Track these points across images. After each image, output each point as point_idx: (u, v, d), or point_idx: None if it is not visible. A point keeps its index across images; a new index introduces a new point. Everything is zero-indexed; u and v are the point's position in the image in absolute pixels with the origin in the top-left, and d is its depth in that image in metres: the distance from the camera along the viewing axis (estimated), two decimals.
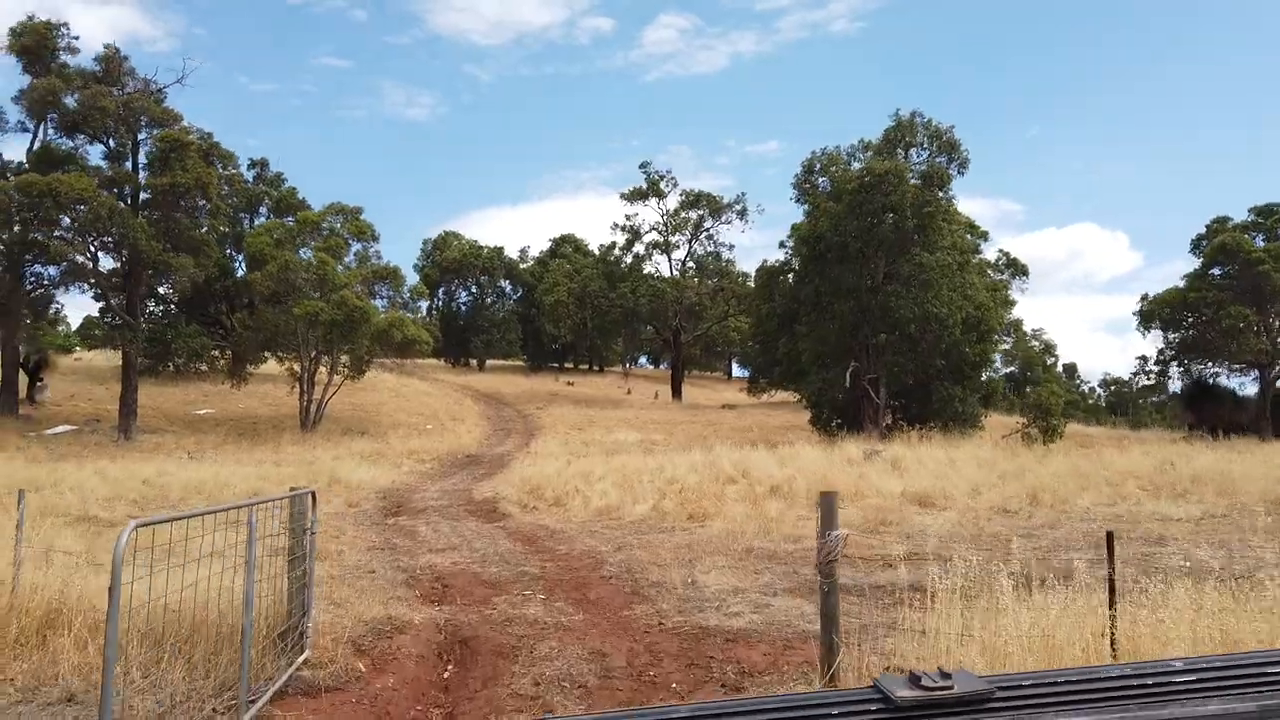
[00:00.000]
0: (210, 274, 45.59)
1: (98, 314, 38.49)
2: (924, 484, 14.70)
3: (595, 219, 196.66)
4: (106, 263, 32.28)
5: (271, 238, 36.85)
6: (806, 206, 31.67)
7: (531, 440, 33.45)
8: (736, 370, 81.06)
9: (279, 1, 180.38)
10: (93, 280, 31.40)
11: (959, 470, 18.20)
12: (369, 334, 34.83)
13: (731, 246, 76.21)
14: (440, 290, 72.29)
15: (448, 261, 70.20)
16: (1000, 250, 50.40)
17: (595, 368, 75.95)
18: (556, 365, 72.87)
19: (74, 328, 67.47)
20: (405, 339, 36.96)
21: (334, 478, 20.85)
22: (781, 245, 44.07)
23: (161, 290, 44.69)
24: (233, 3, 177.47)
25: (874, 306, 29.39)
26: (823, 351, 30.55)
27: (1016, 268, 50.57)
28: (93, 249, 30.86)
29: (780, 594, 8.20)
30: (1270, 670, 1.27)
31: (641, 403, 50.85)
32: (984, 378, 30.52)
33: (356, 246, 39.66)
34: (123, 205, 30.71)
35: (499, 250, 72.22)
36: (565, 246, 72.02)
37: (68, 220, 29.21)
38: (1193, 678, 1.25)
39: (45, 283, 31.86)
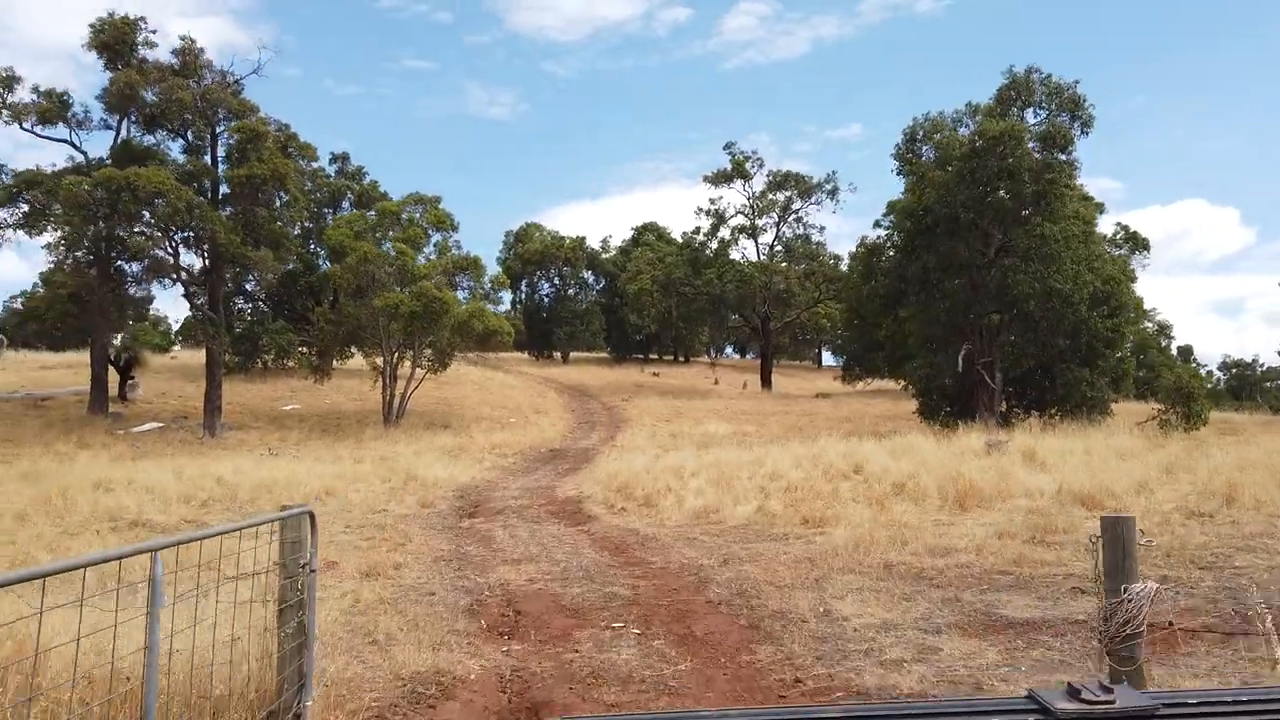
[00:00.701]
0: (295, 269, 45.64)
1: (191, 311, 38.49)
2: (1077, 480, 12.43)
3: (677, 210, 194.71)
4: (189, 259, 32.05)
5: (351, 230, 36.18)
6: (909, 178, 29.13)
7: (617, 433, 31.90)
8: (827, 359, 78.26)
9: (366, 6, 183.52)
10: (173, 275, 31.11)
11: (1104, 463, 15.76)
12: (449, 325, 33.80)
13: (822, 228, 73.31)
14: (522, 283, 71.52)
15: (529, 253, 69.28)
16: (1118, 224, 46.46)
17: (680, 358, 74.11)
18: (641, 356, 71.29)
19: (175, 327, 69.16)
20: (486, 330, 35.83)
21: (410, 475, 19.61)
22: (877, 225, 41.53)
23: (249, 287, 44.96)
24: (321, 10, 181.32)
25: (988, 283, 26.73)
26: (931, 334, 28.01)
27: (1136, 242, 46.62)
28: (173, 244, 30.55)
29: (946, 631, 6.27)
30: None
31: (730, 393, 48.87)
32: (1117, 357, 27.45)
33: (436, 237, 38.76)
34: (201, 199, 30.31)
35: (581, 240, 70.93)
36: (648, 235, 70.33)
37: (148, 215, 28.89)
38: None
39: (128, 279, 31.71)
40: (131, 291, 31.91)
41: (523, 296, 72.16)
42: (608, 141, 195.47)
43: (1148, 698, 1.14)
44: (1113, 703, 1.11)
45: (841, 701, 4.78)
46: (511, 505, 15.67)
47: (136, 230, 28.98)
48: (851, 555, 8.82)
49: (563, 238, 70.72)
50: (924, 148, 29.31)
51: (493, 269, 45.55)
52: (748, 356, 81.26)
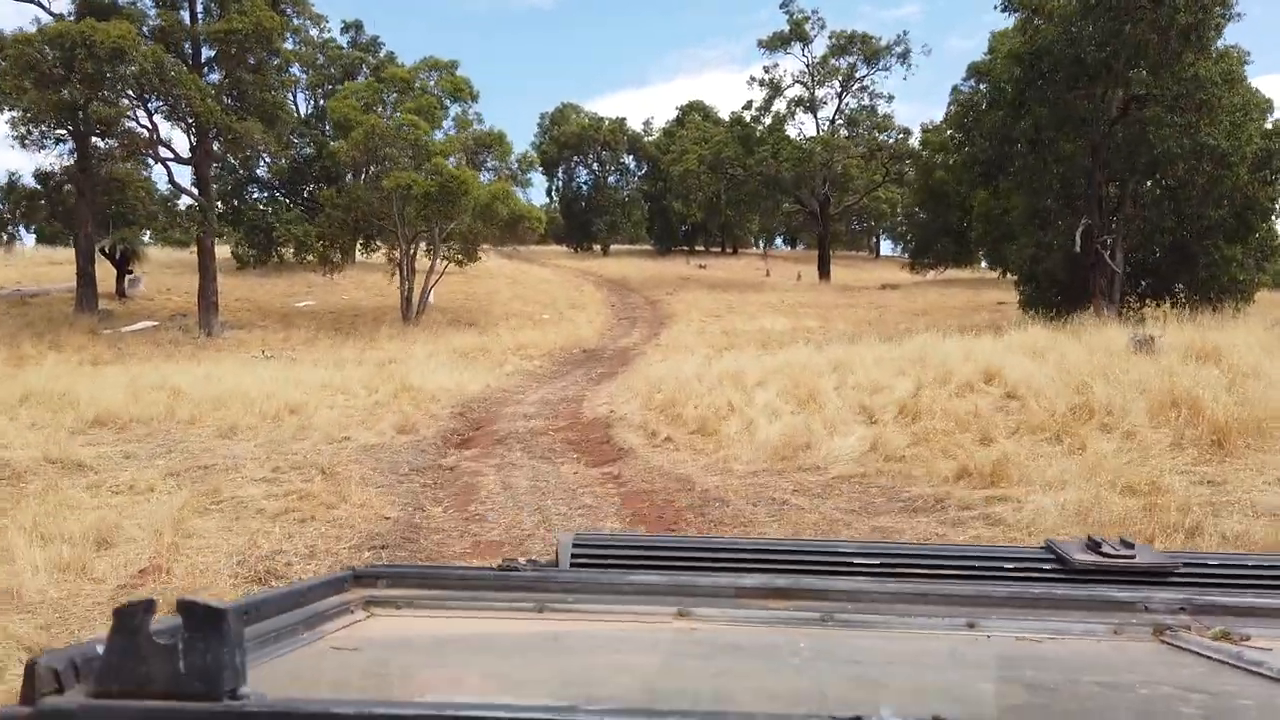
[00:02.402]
0: (309, 153, 41.52)
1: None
2: None
3: (723, 96, 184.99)
4: (179, 137, 28.11)
5: (358, 101, 31.71)
6: (1020, 13, 23.62)
7: (661, 331, 27.83)
8: (885, 248, 72.71)
9: None
10: (150, 152, 27.13)
11: None
12: (470, 208, 29.54)
13: (890, 97, 66.09)
14: (559, 169, 66.54)
15: (565, 136, 64.02)
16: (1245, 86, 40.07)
17: (728, 249, 69.17)
18: (686, 248, 66.47)
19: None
20: (513, 214, 31.50)
21: (404, 385, 15.69)
22: (955, 90, 35.98)
23: (260, 173, 41.08)
24: None
25: (1117, 143, 21.65)
26: (1039, 207, 23.11)
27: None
28: (146, 113, 26.44)
29: None
30: None
31: (784, 285, 44.34)
32: (1264, 230, 22.42)
33: (454, 109, 34.15)
34: (179, 61, 26.03)
35: (621, 121, 65.28)
36: (693, 115, 64.41)
37: (113, 79, 24.73)
38: None
39: (100, 157, 27.79)
40: (104, 171, 27.83)
41: (560, 184, 67.34)
42: (651, 28, 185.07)
43: (1167, 556, 1.11)
44: (1132, 558, 1.09)
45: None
46: (520, 429, 11.75)
47: (101, 95, 24.85)
48: None
49: (601, 119, 65.26)
50: None
51: (524, 150, 40.86)
52: (799, 247, 75.91)
